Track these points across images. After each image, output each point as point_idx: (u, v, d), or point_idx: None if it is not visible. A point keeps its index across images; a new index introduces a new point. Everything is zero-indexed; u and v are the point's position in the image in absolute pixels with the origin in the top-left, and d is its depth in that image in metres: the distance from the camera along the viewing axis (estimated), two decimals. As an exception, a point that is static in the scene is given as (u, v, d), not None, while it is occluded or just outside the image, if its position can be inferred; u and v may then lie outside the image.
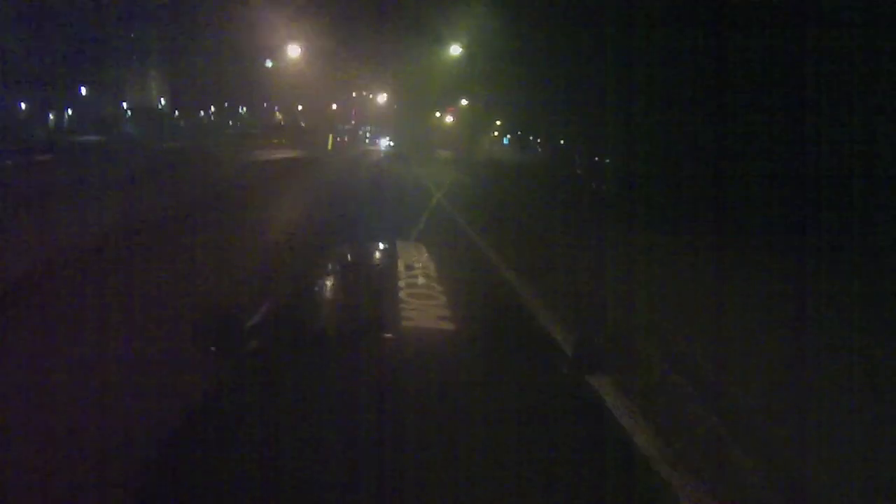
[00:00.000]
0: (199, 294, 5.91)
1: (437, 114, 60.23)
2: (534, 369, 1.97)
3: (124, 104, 42.98)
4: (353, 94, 66.77)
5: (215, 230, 10.01)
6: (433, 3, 40.96)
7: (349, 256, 3.37)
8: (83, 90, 37.19)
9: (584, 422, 1.72)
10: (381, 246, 3.49)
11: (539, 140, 47.90)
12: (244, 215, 12.58)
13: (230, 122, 56.93)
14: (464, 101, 51.62)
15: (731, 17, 15.47)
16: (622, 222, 15.40)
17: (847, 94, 13.96)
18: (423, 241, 4.92)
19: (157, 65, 46.40)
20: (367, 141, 68.23)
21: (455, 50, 38.59)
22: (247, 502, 1.32)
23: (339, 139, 54.73)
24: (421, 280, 2.59)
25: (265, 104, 61.45)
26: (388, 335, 2.07)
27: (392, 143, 60.89)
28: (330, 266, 3.12)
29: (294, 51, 39.87)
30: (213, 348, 2.10)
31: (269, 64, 44.80)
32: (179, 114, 51.59)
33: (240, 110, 60.36)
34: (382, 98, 65.63)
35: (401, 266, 2.78)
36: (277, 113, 63.25)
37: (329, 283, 2.93)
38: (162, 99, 48.94)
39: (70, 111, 37.64)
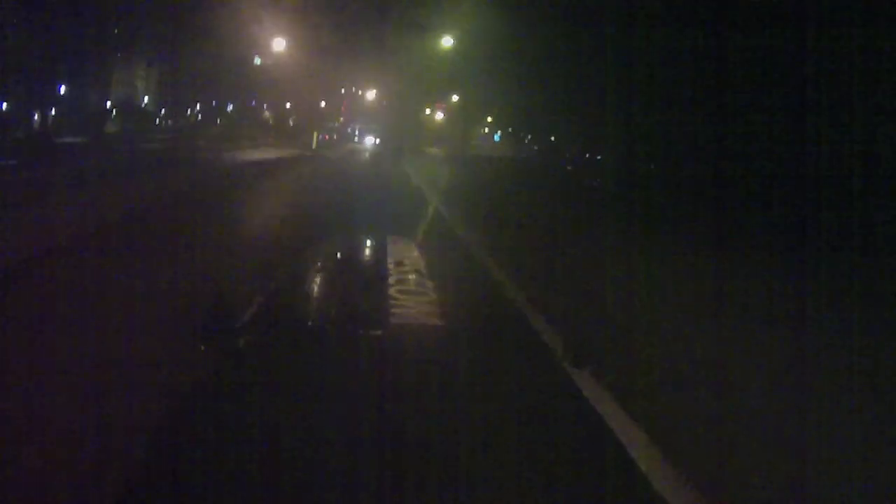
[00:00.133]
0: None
1: (427, 110, 60.02)
2: (531, 367, 2.17)
3: (108, 103, 42.48)
4: (343, 91, 66.49)
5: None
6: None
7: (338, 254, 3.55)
8: (62, 88, 36.58)
9: (575, 421, 1.89)
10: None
11: (530, 137, 48.04)
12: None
13: (218, 121, 56.49)
14: (455, 98, 51.50)
15: (731, 17, 15.53)
16: (621, 221, 15.40)
17: (847, 94, 14.07)
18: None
19: (143, 62, 45.84)
20: (355, 139, 67.83)
21: (447, 41, 37.70)
22: (233, 491, 1.40)
23: (324, 136, 54.11)
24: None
25: (253, 102, 61.09)
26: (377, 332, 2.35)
27: (378, 142, 58.86)
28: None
29: (280, 44, 39.42)
30: (202, 347, 2.31)
31: (257, 61, 44.40)
32: (166, 112, 51.03)
33: (227, 108, 59.94)
34: (372, 94, 65.39)
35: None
36: (266, 111, 62.89)
37: None
38: (146, 97, 48.38)
39: (53, 111, 37.07)
